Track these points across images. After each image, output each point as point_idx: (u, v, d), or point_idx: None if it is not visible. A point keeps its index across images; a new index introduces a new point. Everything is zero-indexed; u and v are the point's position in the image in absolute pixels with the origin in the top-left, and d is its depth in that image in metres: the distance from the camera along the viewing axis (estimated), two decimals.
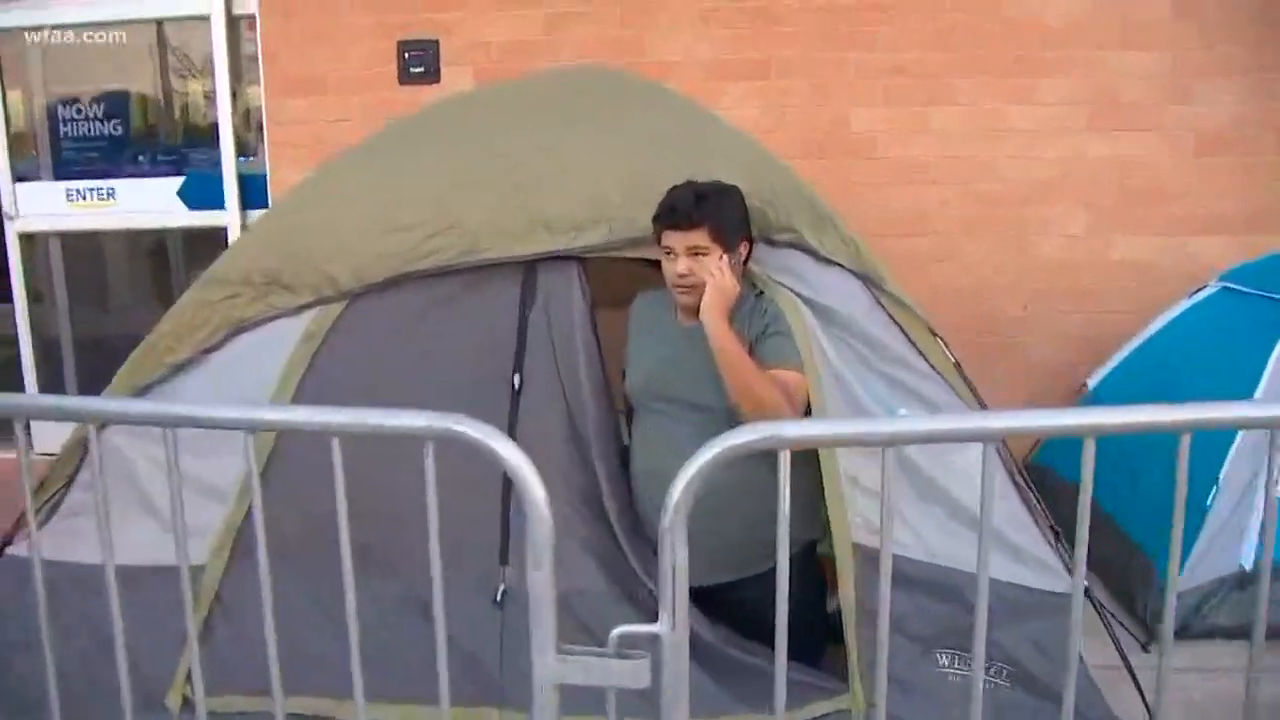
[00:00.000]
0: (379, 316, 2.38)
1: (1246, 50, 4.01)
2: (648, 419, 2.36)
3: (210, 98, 4.66)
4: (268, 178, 4.57)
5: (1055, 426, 1.42)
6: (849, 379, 2.29)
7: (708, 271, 2.16)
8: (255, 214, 4.61)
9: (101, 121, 4.77)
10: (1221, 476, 2.89)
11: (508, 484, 2.22)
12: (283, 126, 4.48)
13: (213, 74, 4.60)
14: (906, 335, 2.39)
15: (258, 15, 4.43)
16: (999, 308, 4.28)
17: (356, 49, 4.39)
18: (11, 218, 4.79)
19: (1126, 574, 3.08)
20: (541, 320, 2.35)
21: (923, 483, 2.27)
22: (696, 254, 2.18)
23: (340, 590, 2.28)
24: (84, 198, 4.76)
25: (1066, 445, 3.61)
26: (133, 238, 5.00)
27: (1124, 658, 2.37)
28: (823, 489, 2.21)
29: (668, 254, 2.23)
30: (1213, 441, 2.89)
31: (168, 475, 1.51)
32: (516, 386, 2.32)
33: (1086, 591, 2.28)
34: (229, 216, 4.65)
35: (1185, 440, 1.42)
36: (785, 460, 1.37)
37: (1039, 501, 2.38)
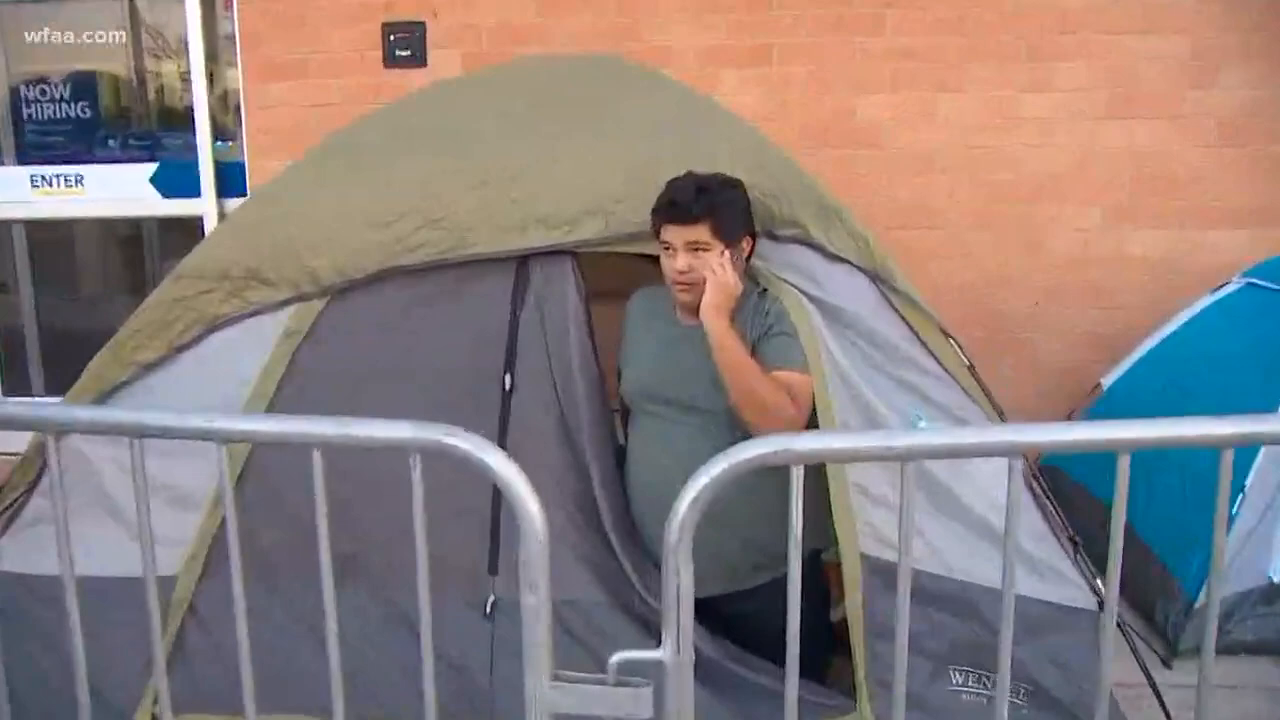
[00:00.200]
0: (363, 313, 2.29)
1: (1270, 34, 3.91)
2: (644, 422, 2.28)
3: (185, 80, 4.52)
4: (245, 165, 4.45)
5: (1088, 441, 1.31)
6: (857, 381, 2.19)
7: (708, 268, 2.07)
8: (232, 203, 4.48)
9: (69, 103, 4.62)
10: (1247, 484, 2.79)
11: (498, 488, 2.16)
12: (262, 111, 4.36)
13: (187, 55, 4.45)
14: (917, 335, 2.29)
15: None
16: (1009, 303, 4.19)
17: (340, 31, 4.27)
18: None
19: (1144, 585, 2.99)
20: (534, 318, 2.27)
21: (936, 492, 2.18)
22: (697, 250, 2.09)
23: (319, 607, 2.21)
24: (50, 184, 4.60)
25: None
26: (104, 226, 4.87)
27: (1148, 676, 2.28)
28: (828, 496, 2.12)
29: (667, 249, 2.13)
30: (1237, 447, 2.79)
31: (133, 486, 1.40)
32: (507, 387, 2.24)
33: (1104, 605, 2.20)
34: (205, 205, 4.51)
35: (1227, 457, 1.31)
36: (797, 477, 1.26)
37: (1056, 511, 2.28)
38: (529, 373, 2.24)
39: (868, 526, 2.12)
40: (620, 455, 2.33)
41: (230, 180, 4.50)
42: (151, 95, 4.70)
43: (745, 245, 2.17)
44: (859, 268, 2.28)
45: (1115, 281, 4.12)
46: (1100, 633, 1.35)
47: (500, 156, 2.39)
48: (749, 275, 2.22)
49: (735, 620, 2.18)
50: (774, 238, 2.27)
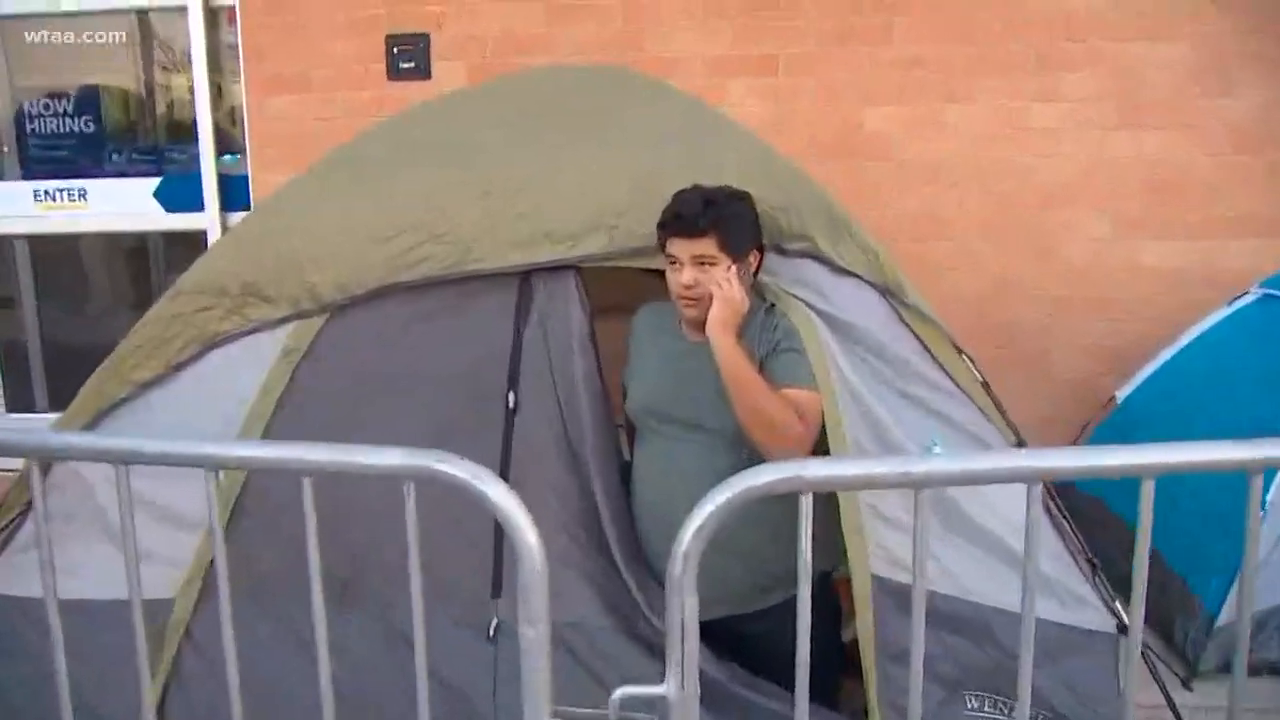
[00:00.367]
0: (363, 330, 2.25)
1: None
2: (650, 441, 2.23)
3: (191, 93, 4.49)
4: (249, 178, 4.42)
5: (1109, 467, 1.25)
6: (867, 398, 2.15)
7: (715, 283, 2.02)
8: (236, 216, 4.45)
9: (72, 118, 4.59)
10: (1269, 500, 2.71)
11: None
12: (265, 124, 4.33)
13: (190, 68, 4.42)
14: (929, 350, 2.25)
15: (238, 7, 4.28)
16: (1019, 315, 4.13)
17: (343, 43, 4.24)
18: None
19: (1162, 602, 2.92)
20: (537, 335, 2.22)
21: (949, 512, 2.13)
22: (703, 264, 2.05)
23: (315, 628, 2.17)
24: (54, 198, 4.57)
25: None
26: (108, 240, 4.83)
27: (1169, 699, 2.23)
28: (839, 515, 2.07)
29: (672, 263, 2.09)
30: None
31: (120, 514, 1.35)
32: (511, 406, 2.19)
33: (1124, 628, 2.15)
34: (208, 219, 4.47)
35: (1256, 483, 1.25)
36: (807, 504, 1.21)
37: (1074, 531, 2.22)
38: (532, 391, 2.20)
39: (880, 549, 2.07)
40: (625, 472, 2.28)
41: (234, 194, 4.47)
42: (155, 110, 4.67)
43: (753, 260, 2.12)
44: (869, 281, 2.24)
45: (1128, 292, 4.06)
46: (1125, 662, 1.29)
47: (504, 168, 2.35)
48: (756, 290, 2.17)
49: (744, 642, 2.13)
50: (782, 251, 2.22)
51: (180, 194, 4.53)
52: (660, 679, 1.26)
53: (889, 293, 2.25)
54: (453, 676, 2.06)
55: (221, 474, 1.43)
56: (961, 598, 2.10)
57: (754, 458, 1.98)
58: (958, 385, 2.24)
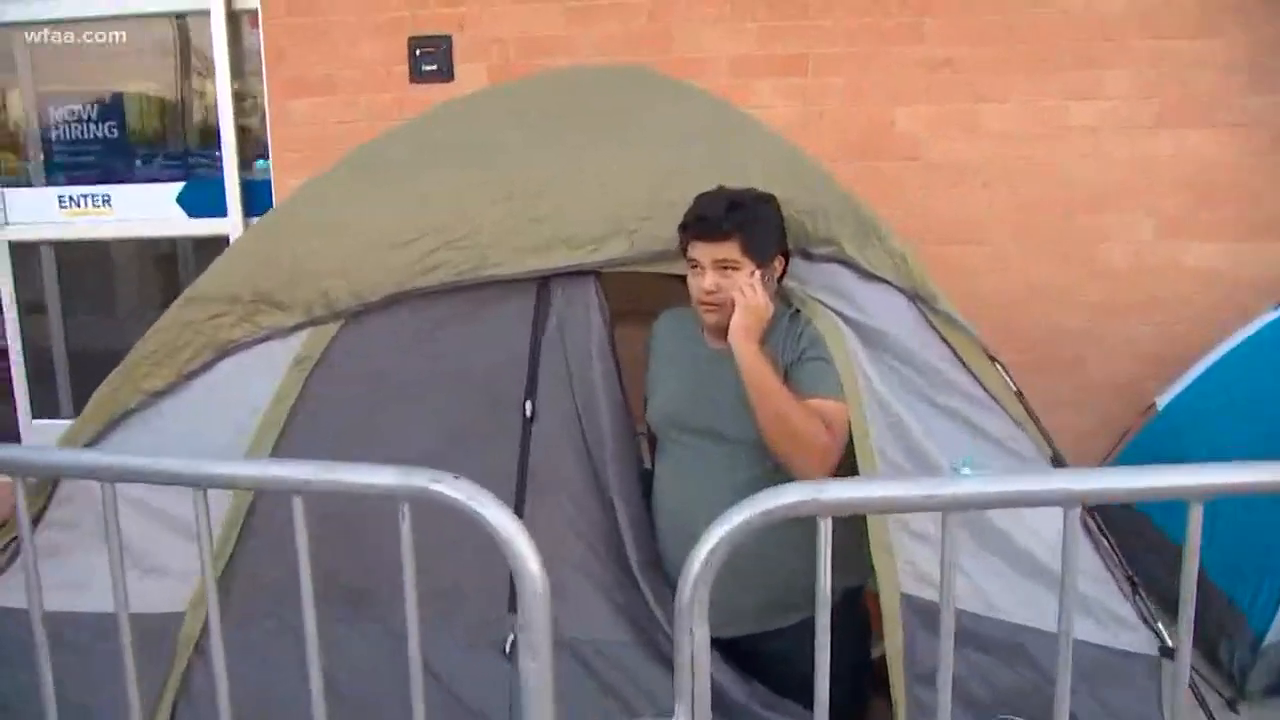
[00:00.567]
0: (378, 338, 2.22)
1: None
2: (671, 451, 2.16)
3: (214, 98, 4.47)
4: (271, 183, 4.40)
5: (1154, 489, 1.17)
6: (896, 408, 2.07)
7: (738, 289, 1.96)
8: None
9: (96, 123, 4.59)
10: None
11: (516, 511, 2.07)
12: (287, 128, 4.31)
13: (213, 73, 4.41)
14: (960, 359, 2.18)
15: (260, 9, 4.26)
16: (1057, 321, 4.02)
17: (365, 45, 4.21)
18: (0, 225, 4.63)
19: (1206, 619, 2.80)
20: (556, 342, 2.18)
21: (980, 526, 2.05)
22: (726, 268, 1.98)
23: (331, 644, 2.12)
24: (77, 204, 4.58)
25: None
26: (136, 246, 4.83)
27: None
28: (866, 530, 2.00)
29: (694, 267, 2.03)
30: None
31: (106, 532, 1.31)
32: (528, 414, 2.15)
33: (1166, 651, 2.05)
34: (231, 225, 4.46)
35: None
36: (825, 529, 1.13)
37: (1113, 547, 2.13)
38: (551, 399, 2.15)
39: (908, 565, 2.00)
40: (646, 480, 2.22)
41: (258, 199, 4.45)
42: (179, 115, 4.66)
43: (777, 265, 2.06)
44: (897, 287, 2.17)
45: (1169, 296, 3.95)
46: (1171, 691, 1.21)
47: (524, 170, 2.31)
48: (781, 296, 2.11)
49: (767, 660, 2.07)
50: (808, 256, 2.16)
51: (204, 199, 4.52)
52: None
53: (918, 298, 2.18)
54: (468, 694, 2.02)
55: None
56: (992, 616, 2.02)
57: (779, 469, 1.93)
58: (990, 394, 2.16)
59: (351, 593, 2.07)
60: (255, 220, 4.39)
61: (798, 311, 2.11)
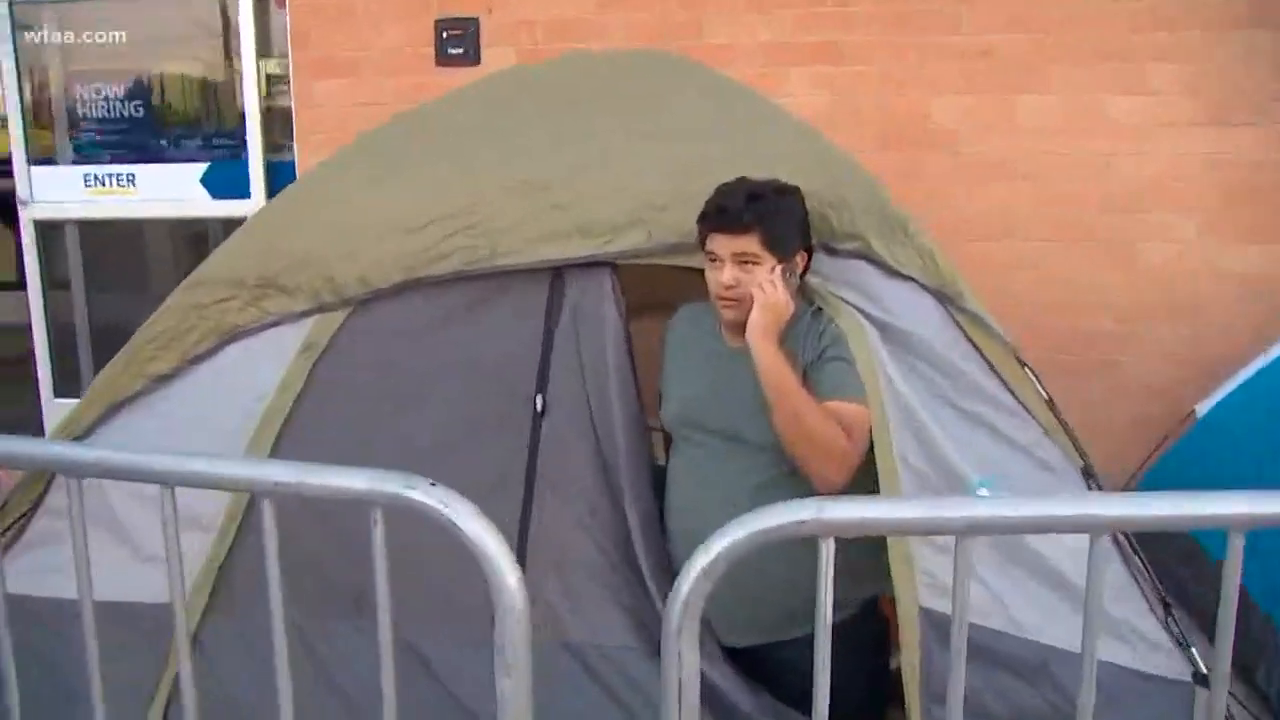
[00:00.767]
0: (387, 325, 2.17)
1: None
2: (686, 451, 2.10)
3: (239, 79, 4.48)
4: (295, 165, 4.38)
5: (1188, 517, 1.07)
6: (921, 414, 1.99)
7: (757, 284, 1.89)
8: None
9: (122, 103, 4.61)
10: None
11: (525, 508, 2.04)
12: (312, 110, 4.29)
13: (239, 54, 4.41)
14: (989, 363, 2.09)
15: None
16: (1094, 322, 3.90)
17: (392, 27, 4.18)
18: (26, 203, 4.65)
19: (1242, 639, 2.68)
20: (569, 334, 2.12)
21: (1010, 541, 1.96)
22: (745, 263, 1.91)
23: (332, 642, 2.09)
24: (102, 183, 4.60)
25: (1179, 478, 3.24)
26: (161, 226, 4.85)
27: None
28: (884, 540, 1.91)
29: (712, 260, 1.96)
30: None
31: (71, 528, 1.26)
32: (539, 409, 2.09)
33: (1200, 677, 1.96)
34: (253, 206, 4.44)
35: None
36: (827, 552, 1.06)
37: (1145, 566, 2.03)
38: (563, 393, 2.09)
39: (926, 576, 1.92)
40: (660, 477, 2.17)
41: (282, 180, 4.42)
42: (204, 95, 4.67)
43: (799, 260, 1.98)
44: (924, 286, 2.09)
45: (1210, 299, 3.81)
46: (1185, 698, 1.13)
47: (542, 156, 2.26)
48: (802, 293, 2.03)
49: (778, 670, 2.00)
50: (832, 251, 2.08)
51: (227, 180, 4.52)
52: None
53: (945, 297, 2.09)
54: (467, 698, 1.99)
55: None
56: (1016, 634, 1.94)
57: (795, 473, 1.87)
58: (1020, 401, 2.08)
59: (351, 591, 2.02)
60: None
61: (819, 309, 2.04)
